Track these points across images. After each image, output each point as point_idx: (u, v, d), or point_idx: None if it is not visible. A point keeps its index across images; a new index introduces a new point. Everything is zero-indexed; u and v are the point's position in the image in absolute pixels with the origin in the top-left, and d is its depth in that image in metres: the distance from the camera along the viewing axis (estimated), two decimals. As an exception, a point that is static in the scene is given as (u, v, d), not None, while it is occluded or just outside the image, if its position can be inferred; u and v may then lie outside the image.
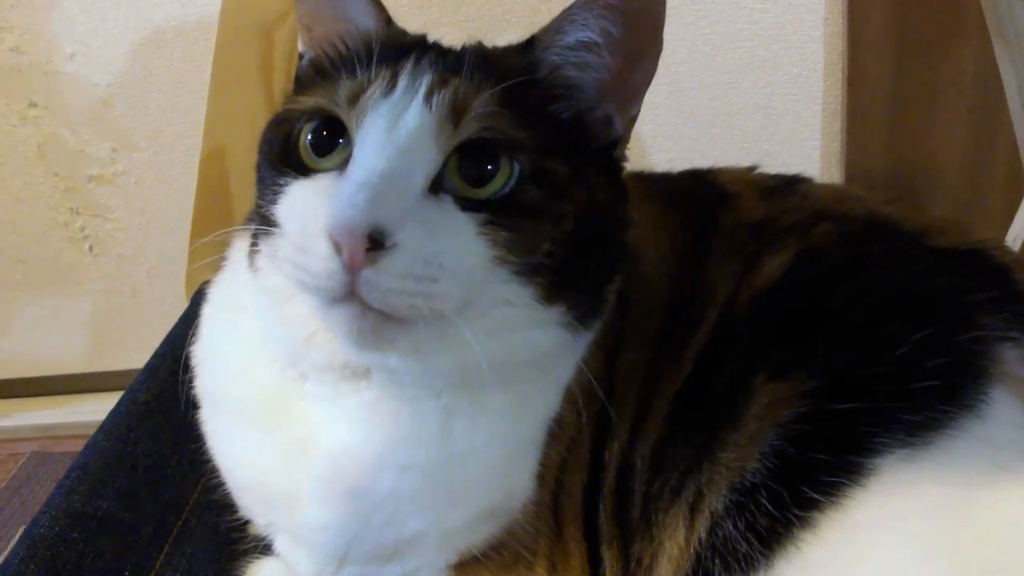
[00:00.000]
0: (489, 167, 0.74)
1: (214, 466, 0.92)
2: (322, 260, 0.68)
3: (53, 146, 2.07)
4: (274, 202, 0.75)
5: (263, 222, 0.76)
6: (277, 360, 0.85)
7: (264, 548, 0.92)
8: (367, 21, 0.84)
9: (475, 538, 0.83)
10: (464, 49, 0.83)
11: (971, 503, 0.71)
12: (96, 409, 1.37)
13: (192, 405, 0.91)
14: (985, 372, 0.76)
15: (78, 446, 1.07)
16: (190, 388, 0.92)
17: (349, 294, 0.68)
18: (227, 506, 0.93)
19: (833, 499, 0.73)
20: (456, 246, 0.72)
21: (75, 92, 2.02)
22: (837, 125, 1.93)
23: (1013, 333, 0.79)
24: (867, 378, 0.77)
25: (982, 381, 0.75)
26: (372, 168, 0.70)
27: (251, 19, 1.23)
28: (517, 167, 0.75)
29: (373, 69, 0.77)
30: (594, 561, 0.85)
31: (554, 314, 0.77)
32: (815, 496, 0.73)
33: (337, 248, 0.67)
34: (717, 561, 0.77)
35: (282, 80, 1.21)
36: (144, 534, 0.99)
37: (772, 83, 1.90)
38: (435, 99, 0.74)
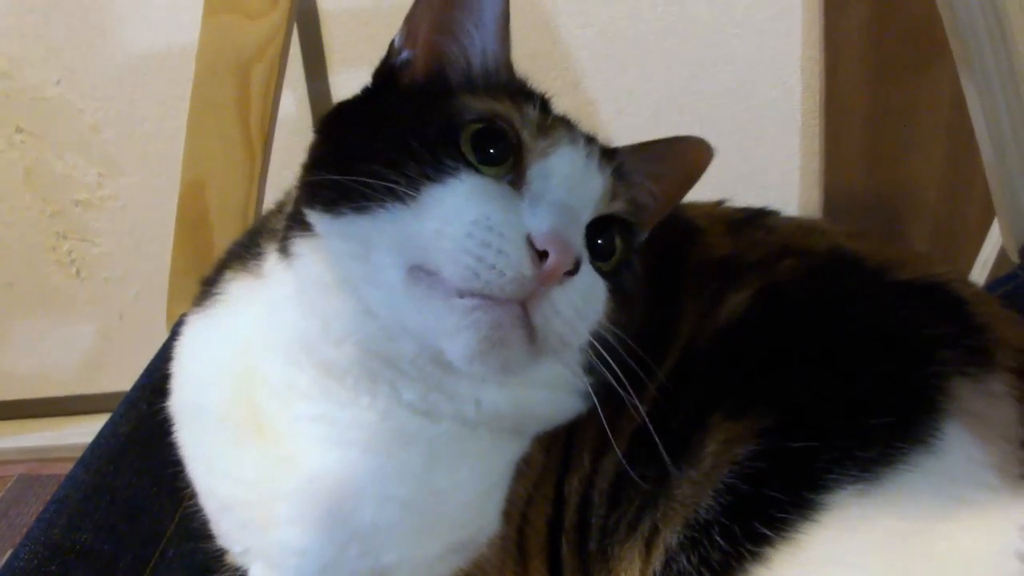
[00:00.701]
0: (609, 245, 0.83)
1: (192, 493, 0.92)
2: (515, 262, 0.69)
3: (40, 171, 2.09)
4: (431, 178, 0.74)
5: (384, 198, 0.74)
6: (285, 360, 0.84)
7: (241, 573, 0.93)
8: (494, 48, 0.87)
9: (443, 570, 0.84)
10: (592, 137, 0.88)
11: (926, 536, 0.72)
12: (84, 431, 1.38)
13: (168, 427, 0.92)
14: (939, 407, 0.76)
15: (66, 468, 1.08)
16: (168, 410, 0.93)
17: (514, 301, 0.71)
18: (205, 535, 0.94)
19: (785, 534, 0.73)
20: (599, 298, 0.79)
21: (62, 118, 2.04)
22: (816, 146, 1.95)
23: (968, 368, 0.79)
24: (823, 414, 0.78)
25: (936, 416, 0.76)
26: (570, 202, 0.76)
27: (228, 56, 1.25)
28: (622, 249, 0.83)
29: (551, 116, 0.84)
30: None
31: (582, 385, 0.81)
32: (767, 532, 0.74)
33: (543, 256, 0.70)
34: None
35: (258, 115, 1.23)
36: (123, 565, 1.00)
37: (751, 107, 1.92)
38: (605, 169, 0.82)
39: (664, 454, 0.80)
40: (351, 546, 0.81)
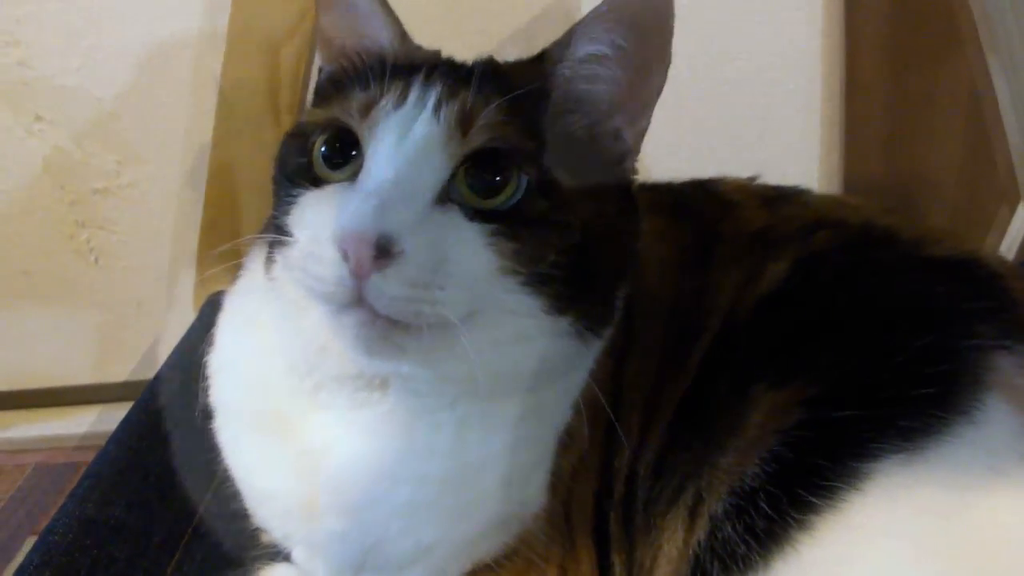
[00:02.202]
0: (497, 178, 0.76)
1: (228, 476, 0.93)
2: (330, 266, 0.69)
3: (59, 159, 2.08)
4: (287, 212, 0.77)
5: (278, 232, 0.78)
6: (293, 371, 0.86)
7: (275, 555, 0.93)
8: (383, 36, 0.86)
9: (489, 546, 0.84)
10: (475, 63, 0.85)
11: (967, 507, 0.72)
12: (101, 420, 1.38)
13: (206, 414, 0.92)
14: (980, 379, 0.77)
15: (83, 457, 1.09)
16: (204, 396, 0.93)
17: (357, 300, 0.70)
18: (238, 515, 0.94)
19: (830, 502, 0.74)
20: (463, 255, 0.73)
21: (81, 105, 2.03)
22: (835, 136, 1.94)
23: (1007, 341, 0.79)
24: (865, 385, 0.78)
25: (977, 388, 0.76)
26: (381, 178, 0.72)
27: (258, 36, 1.25)
28: (525, 179, 0.76)
29: (386, 83, 0.78)
30: (602, 566, 0.87)
31: (563, 324, 0.79)
32: (812, 500, 0.74)
33: (345, 255, 0.68)
34: (715, 563, 0.78)
35: (288, 96, 1.23)
36: (156, 541, 1.00)
37: (770, 95, 1.92)
38: (443, 110, 0.76)
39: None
40: (391, 526, 0.82)
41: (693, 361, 0.86)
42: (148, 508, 1.02)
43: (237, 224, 1.25)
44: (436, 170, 0.74)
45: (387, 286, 0.69)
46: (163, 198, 2.11)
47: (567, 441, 0.85)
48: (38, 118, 2.04)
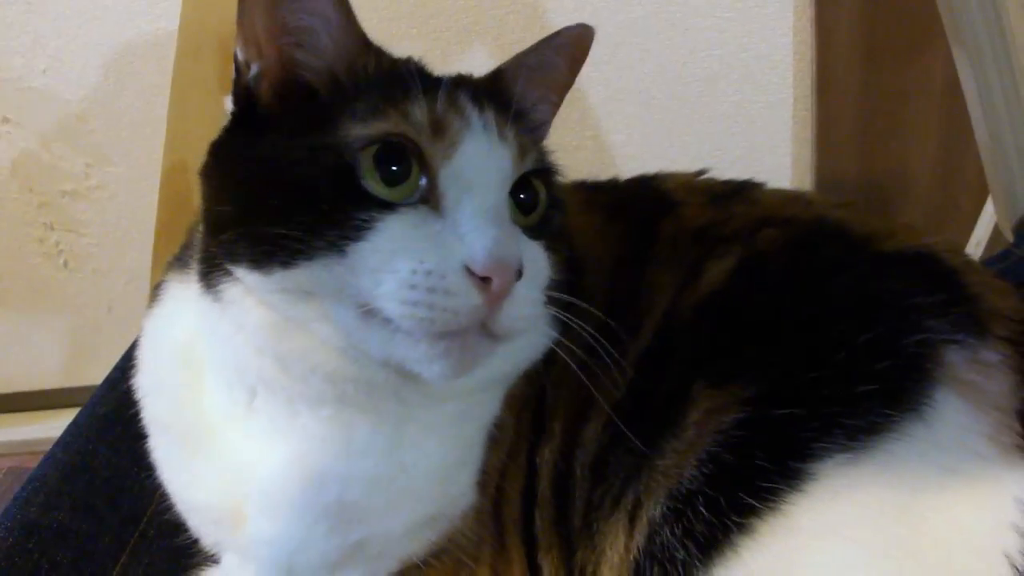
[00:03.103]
0: (531, 196, 0.80)
1: (165, 489, 0.92)
2: (463, 296, 0.69)
3: (27, 161, 2.08)
4: (350, 238, 0.70)
5: (288, 253, 0.71)
6: (230, 388, 0.84)
7: (217, 559, 0.92)
8: (343, 36, 0.79)
9: (416, 546, 0.83)
10: (479, 81, 0.86)
11: (916, 506, 0.71)
12: (73, 424, 1.37)
13: (140, 431, 0.91)
14: (929, 375, 0.76)
15: (56, 462, 1.08)
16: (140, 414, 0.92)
17: (475, 325, 0.71)
18: (179, 525, 0.93)
19: (772, 505, 0.72)
20: (544, 269, 0.79)
21: (48, 107, 2.03)
22: (808, 132, 1.94)
23: (959, 336, 0.78)
24: (808, 383, 0.77)
25: (926, 384, 0.75)
26: (490, 203, 0.73)
27: (209, 34, 1.24)
28: (545, 194, 0.81)
29: (441, 98, 0.76)
30: (533, 568, 0.85)
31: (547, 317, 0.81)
32: (753, 503, 0.73)
33: (481, 282, 0.69)
34: (655, 568, 0.76)
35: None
36: (101, 545, 0.99)
37: (742, 91, 1.92)
38: (507, 132, 0.78)
39: (629, 432, 0.81)
40: (317, 526, 0.81)
41: (629, 360, 0.84)
42: (94, 512, 1.00)
43: (192, 226, 1.24)
44: (507, 192, 0.77)
45: (516, 308, 0.72)
46: (133, 200, 2.11)
47: (497, 436, 0.85)
48: (5, 120, 2.04)
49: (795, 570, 0.72)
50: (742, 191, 0.98)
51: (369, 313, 0.70)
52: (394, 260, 0.69)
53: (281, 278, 0.72)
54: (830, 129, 1.90)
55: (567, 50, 0.89)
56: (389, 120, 0.74)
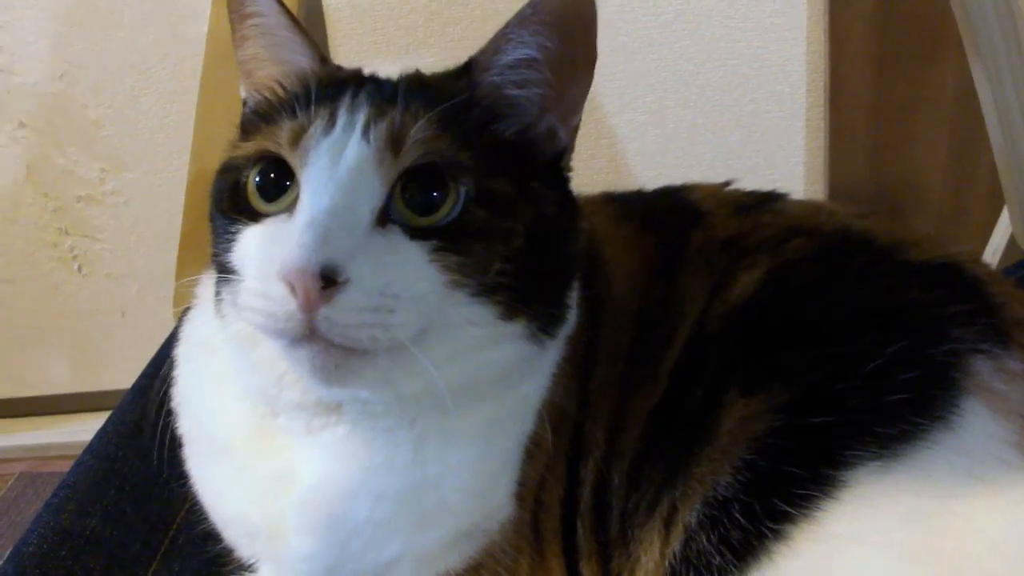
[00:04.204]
0: (435, 194, 0.75)
1: (197, 499, 0.93)
2: (280, 303, 0.69)
3: (42, 166, 2.09)
4: (228, 250, 0.77)
5: (221, 270, 0.78)
6: (250, 399, 0.86)
7: (250, 568, 0.93)
8: (302, 61, 0.84)
9: (453, 559, 0.83)
10: (399, 79, 0.84)
11: (945, 513, 0.72)
12: (85, 429, 1.37)
13: (176, 442, 0.92)
14: (957, 384, 0.76)
15: (67, 466, 1.08)
16: (173, 424, 0.93)
17: (309, 333, 0.69)
18: (212, 535, 0.93)
19: (806, 512, 0.73)
20: (408, 275, 0.73)
21: (64, 113, 2.04)
22: (820, 141, 1.95)
23: (985, 345, 0.79)
24: (839, 391, 0.77)
25: (954, 393, 0.76)
26: (318, 207, 0.71)
27: (237, 43, 1.25)
28: (463, 191, 0.75)
29: (312, 109, 0.77)
30: None
31: (517, 328, 0.78)
32: (788, 509, 0.74)
33: (292, 289, 0.68)
34: (691, 574, 0.77)
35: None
36: (132, 552, 0.99)
37: (755, 100, 1.92)
38: (372, 131, 0.75)
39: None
40: (352, 543, 0.82)
41: (663, 369, 0.85)
42: (124, 519, 1.01)
43: (216, 234, 1.25)
44: (372, 193, 0.73)
45: (337, 316, 0.69)
46: (147, 206, 2.12)
47: (533, 450, 0.85)
48: (21, 125, 2.05)
49: (827, 575, 0.73)
50: (767, 202, 0.99)
51: None
52: (245, 269, 0.74)
53: (225, 291, 0.78)
54: (843, 138, 1.91)
55: (548, 17, 0.79)
56: (261, 137, 0.79)
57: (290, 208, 0.74)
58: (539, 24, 0.79)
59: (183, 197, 1.37)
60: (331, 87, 0.80)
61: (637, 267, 0.92)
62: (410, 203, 0.74)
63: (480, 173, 0.77)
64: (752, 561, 0.74)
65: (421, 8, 1.80)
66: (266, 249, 0.73)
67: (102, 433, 1.09)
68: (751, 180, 1.04)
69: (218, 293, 0.81)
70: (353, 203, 0.72)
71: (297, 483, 0.83)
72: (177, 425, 0.93)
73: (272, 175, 0.76)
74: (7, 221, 2.15)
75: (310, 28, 1.70)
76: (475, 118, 0.80)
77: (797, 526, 0.73)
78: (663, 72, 1.88)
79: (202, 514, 0.93)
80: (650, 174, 1.94)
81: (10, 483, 2.23)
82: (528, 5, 0.79)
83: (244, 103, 0.88)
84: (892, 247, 0.90)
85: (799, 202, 1.01)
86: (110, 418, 1.11)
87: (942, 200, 1.92)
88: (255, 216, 0.76)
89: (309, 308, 0.68)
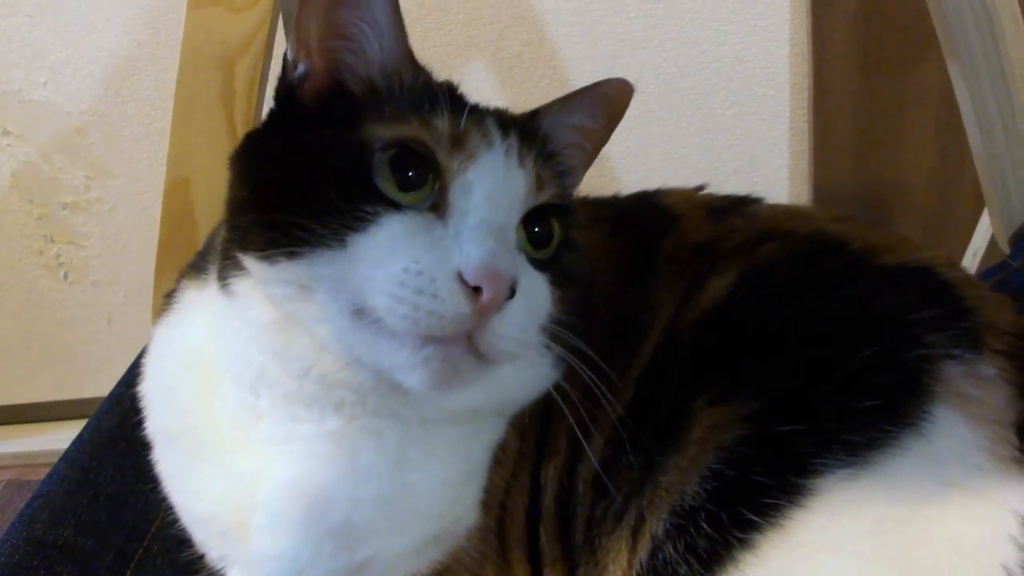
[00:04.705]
0: (545, 231, 0.81)
1: (170, 503, 0.92)
2: (450, 302, 0.69)
3: (27, 174, 2.08)
4: (352, 228, 0.72)
5: (293, 241, 0.73)
6: (242, 390, 0.84)
7: (220, 573, 0.92)
8: (395, 54, 0.82)
9: (421, 563, 0.83)
10: (513, 115, 0.88)
11: (917, 520, 0.71)
12: (72, 437, 1.37)
13: (144, 446, 0.91)
14: (928, 390, 0.76)
15: (54, 474, 1.08)
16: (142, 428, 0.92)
17: (461, 337, 0.71)
18: (185, 541, 0.93)
19: (773, 520, 0.73)
20: (543, 299, 0.78)
21: (48, 120, 2.04)
22: (804, 143, 1.95)
23: (957, 350, 0.79)
24: (809, 399, 0.77)
25: (925, 399, 0.75)
26: (493, 219, 0.74)
27: (212, 50, 1.24)
28: (561, 231, 0.82)
29: (454, 116, 0.78)
30: None
31: (553, 356, 0.81)
32: (755, 518, 0.73)
33: (471, 292, 0.69)
34: None
35: (243, 110, 1.22)
36: (106, 562, 0.99)
37: (739, 103, 1.92)
38: (527, 163, 0.79)
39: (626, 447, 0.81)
40: (324, 545, 0.81)
41: (631, 376, 0.85)
42: (98, 529, 1.00)
43: (194, 242, 1.24)
44: (516, 218, 0.78)
45: (502, 327, 0.71)
46: (132, 213, 2.11)
47: (500, 456, 0.85)
48: (5, 132, 2.05)
49: None
50: (741, 205, 0.99)
51: (360, 313, 0.71)
52: (390, 256, 0.71)
53: (284, 269, 0.73)
54: (827, 140, 1.91)
55: (604, 101, 0.91)
56: (411, 126, 0.76)
57: (428, 204, 0.75)
58: (593, 101, 0.90)
59: (166, 204, 1.37)
60: (453, 97, 0.82)
61: (609, 274, 0.92)
62: (529, 235, 0.80)
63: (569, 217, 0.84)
64: (719, 570, 0.74)
65: (405, 13, 1.79)
66: (424, 243, 0.72)
67: (78, 442, 1.09)
68: (735, 182, 1.04)
69: (227, 270, 0.80)
70: (510, 224, 0.77)
71: (269, 481, 0.82)
72: (144, 426, 0.92)
73: (407, 165, 0.75)
74: (-9, 229, 2.15)
75: (289, 27, 1.71)
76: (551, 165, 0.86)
77: (764, 535, 0.73)
78: (647, 75, 1.88)
79: (175, 521, 0.92)
80: (634, 177, 1.94)
81: (-3, 491, 2.23)
82: (588, 87, 0.90)
83: (291, 68, 0.84)
84: (865, 251, 0.89)
85: (773, 206, 1.00)
86: (85, 427, 1.11)
87: (927, 202, 1.93)
88: (388, 203, 0.74)
89: (486, 313, 0.69)
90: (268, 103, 1.24)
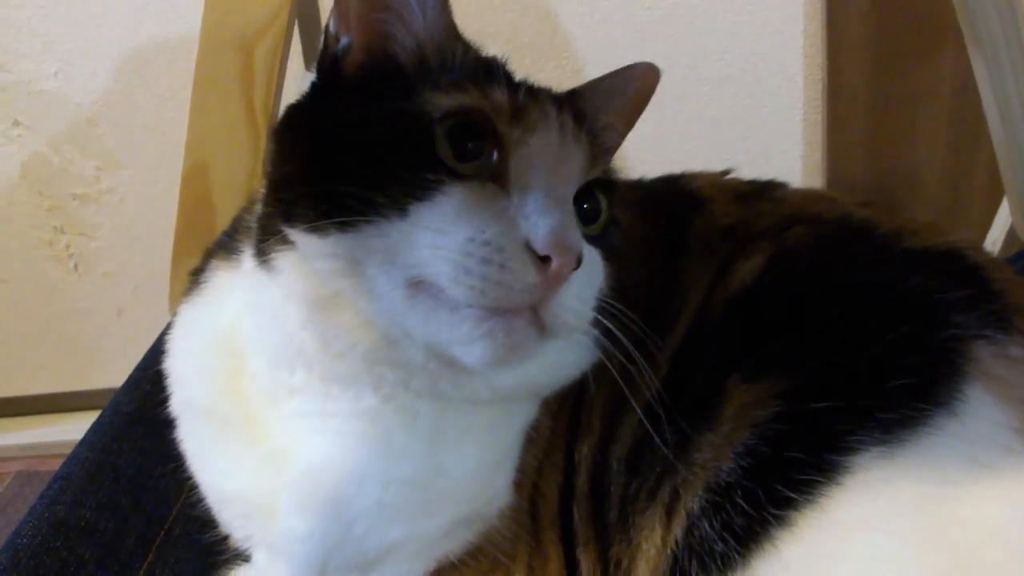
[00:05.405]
0: (594, 207, 0.81)
1: (194, 483, 0.91)
2: (520, 273, 0.68)
3: (37, 165, 2.08)
4: (415, 196, 0.71)
5: (370, 214, 0.71)
6: (277, 366, 0.84)
7: (246, 557, 0.92)
8: (436, 16, 0.81)
9: (453, 545, 0.83)
10: (557, 93, 0.87)
11: (948, 498, 0.71)
12: (82, 428, 1.37)
13: (168, 424, 0.91)
14: (960, 369, 0.76)
15: (64, 464, 1.07)
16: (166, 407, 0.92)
17: (525, 307, 0.70)
18: (208, 522, 0.93)
19: (809, 497, 0.73)
20: (599, 274, 0.79)
21: (59, 111, 2.03)
22: (818, 135, 1.94)
23: (987, 331, 0.79)
24: (842, 377, 0.77)
25: (957, 378, 0.76)
26: (558, 193, 0.74)
27: (231, 34, 1.24)
28: (607, 208, 0.82)
29: (522, 93, 0.78)
30: (571, 564, 0.85)
31: (593, 335, 0.79)
32: (791, 495, 0.73)
33: (539, 262, 0.68)
34: (694, 561, 0.77)
35: (262, 95, 1.22)
36: (127, 543, 0.98)
37: (753, 94, 1.92)
38: (581, 138, 0.79)
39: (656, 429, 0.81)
40: (355, 526, 0.81)
41: (664, 356, 0.85)
42: (119, 511, 1.00)
43: (212, 227, 1.24)
44: (573, 192, 0.77)
45: (569, 299, 0.71)
46: (143, 204, 2.11)
47: (533, 436, 0.85)
48: (16, 123, 2.04)
49: (831, 562, 0.72)
50: (767, 190, 0.99)
51: (416, 288, 0.70)
52: (455, 225, 0.69)
53: (335, 242, 0.72)
54: (840, 132, 1.90)
55: (635, 84, 0.92)
56: (471, 95, 0.75)
57: (496, 175, 0.74)
58: (624, 81, 0.92)
59: (179, 194, 1.37)
60: (505, 73, 0.82)
61: (639, 255, 0.92)
62: (578, 211, 0.78)
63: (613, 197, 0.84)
64: (755, 547, 0.74)
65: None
66: (492, 214, 0.70)
67: (97, 426, 1.09)
68: (748, 174, 1.04)
69: (267, 252, 0.78)
70: (569, 196, 0.76)
71: (298, 462, 0.82)
72: (168, 404, 0.91)
73: (466, 135, 0.74)
74: (2, 220, 2.14)
75: (307, 29, 1.71)
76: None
77: (800, 512, 0.73)
78: (660, 66, 1.87)
79: (199, 501, 0.92)
80: (646, 168, 1.92)
81: (7, 482, 2.23)
82: (617, 70, 0.92)
83: (333, 41, 0.82)
84: (893, 234, 0.89)
85: (799, 190, 1.01)
86: (105, 410, 1.11)
87: (940, 193, 1.92)
88: (449, 172, 0.72)
89: (554, 285, 0.69)
90: (287, 88, 1.24)
